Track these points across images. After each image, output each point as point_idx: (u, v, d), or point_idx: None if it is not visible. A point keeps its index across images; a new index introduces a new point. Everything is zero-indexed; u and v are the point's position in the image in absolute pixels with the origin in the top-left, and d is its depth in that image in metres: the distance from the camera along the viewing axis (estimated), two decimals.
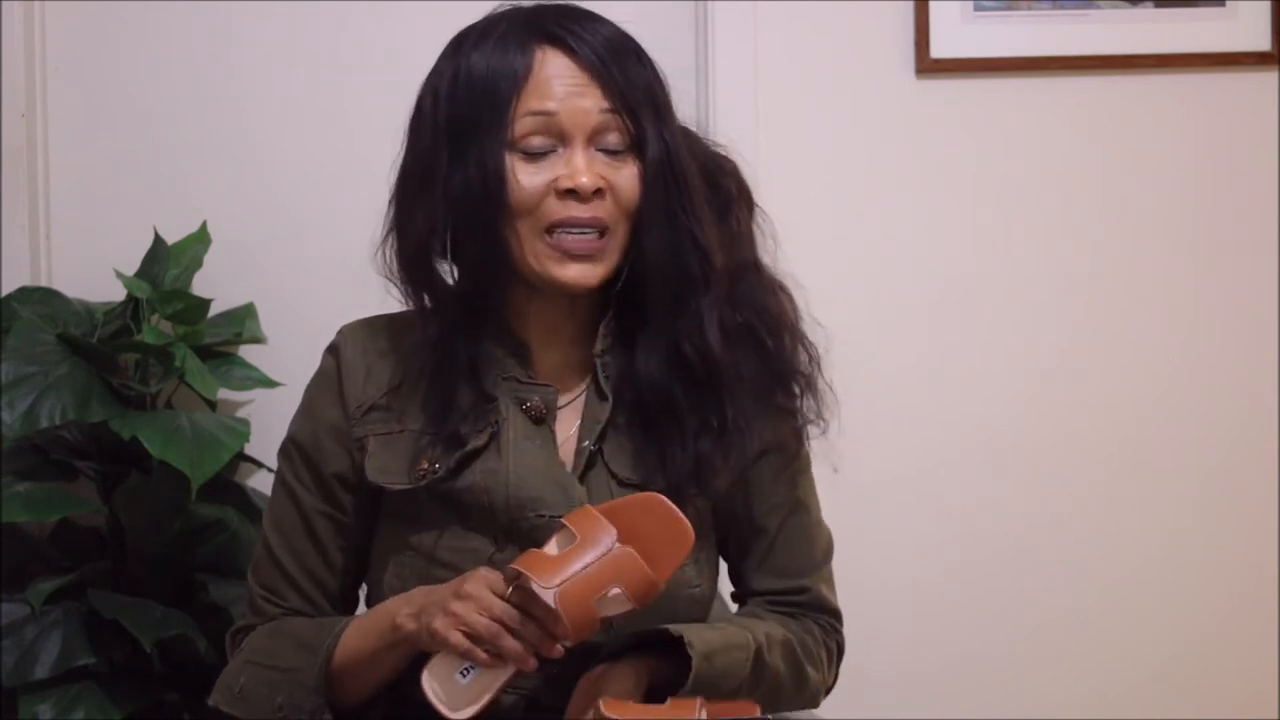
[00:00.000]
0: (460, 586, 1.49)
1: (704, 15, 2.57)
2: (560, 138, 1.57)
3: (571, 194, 1.56)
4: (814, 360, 1.70)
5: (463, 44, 1.62)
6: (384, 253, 1.64)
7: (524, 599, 1.46)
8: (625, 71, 1.59)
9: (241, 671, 1.65)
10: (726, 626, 1.62)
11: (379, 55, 2.57)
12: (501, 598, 1.47)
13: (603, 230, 1.58)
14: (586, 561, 1.46)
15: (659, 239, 1.59)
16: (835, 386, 1.71)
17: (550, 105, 1.56)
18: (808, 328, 1.71)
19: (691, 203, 1.61)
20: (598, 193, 1.57)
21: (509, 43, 1.58)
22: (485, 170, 1.56)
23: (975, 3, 2.57)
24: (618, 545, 1.47)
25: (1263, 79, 2.61)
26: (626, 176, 1.59)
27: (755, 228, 1.72)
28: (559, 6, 1.63)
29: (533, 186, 1.56)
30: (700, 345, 1.60)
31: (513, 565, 1.48)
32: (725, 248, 1.64)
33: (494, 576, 1.49)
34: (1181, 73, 2.61)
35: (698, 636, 1.55)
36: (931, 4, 2.56)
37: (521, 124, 1.56)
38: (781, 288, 1.71)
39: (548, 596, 1.43)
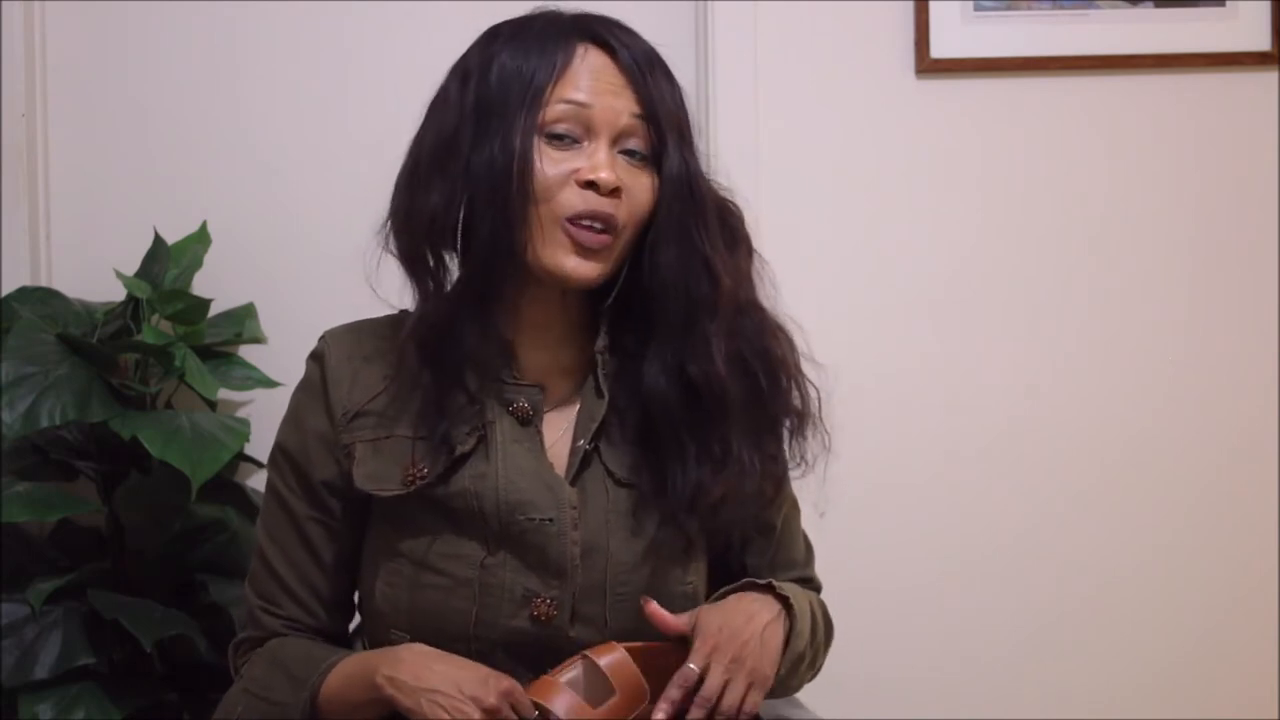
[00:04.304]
0: (485, 700, 1.50)
1: (704, 15, 2.57)
2: (587, 131, 1.60)
3: (591, 186, 1.58)
4: (807, 403, 1.70)
5: (497, 37, 1.65)
6: (385, 234, 1.64)
7: None
8: (659, 84, 1.63)
9: (239, 700, 1.67)
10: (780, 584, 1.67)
11: (380, 55, 2.57)
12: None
13: (614, 229, 1.59)
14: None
15: (673, 256, 1.61)
16: (835, 421, 1.73)
17: (584, 97, 1.60)
18: (808, 369, 1.72)
19: (706, 226, 1.63)
20: (614, 191, 1.59)
21: (550, 36, 1.62)
22: (511, 150, 1.57)
23: (975, 3, 2.57)
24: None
25: (1263, 79, 2.61)
26: (642, 185, 1.62)
27: (755, 273, 1.73)
28: (598, 15, 1.67)
29: (555, 173, 1.58)
30: (707, 368, 1.61)
31: (536, 701, 1.52)
32: (733, 277, 1.65)
33: (520, 696, 1.52)
34: (1181, 73, 2.60)
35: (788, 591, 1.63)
36: (931, 4, 2.56)
37: (554, 109, 1.59)
38: (781, 330, 1.72)
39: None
